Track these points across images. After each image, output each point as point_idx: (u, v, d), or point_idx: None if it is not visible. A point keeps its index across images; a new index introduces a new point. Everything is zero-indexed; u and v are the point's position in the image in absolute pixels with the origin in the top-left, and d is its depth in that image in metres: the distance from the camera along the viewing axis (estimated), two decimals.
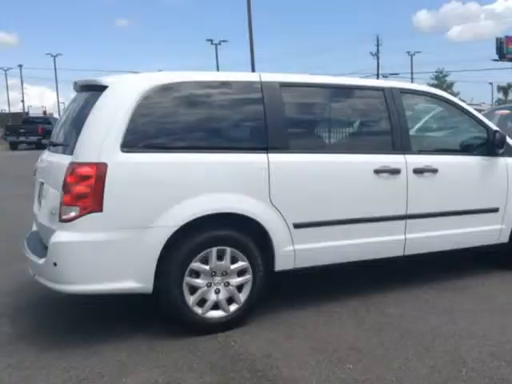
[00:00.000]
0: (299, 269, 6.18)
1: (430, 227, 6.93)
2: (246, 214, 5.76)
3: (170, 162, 5.55)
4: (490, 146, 7.31)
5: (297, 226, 6.04)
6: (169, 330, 5.73)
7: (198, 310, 5.66)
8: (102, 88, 5.63)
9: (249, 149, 5.93)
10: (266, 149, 5.92)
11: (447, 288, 7.08)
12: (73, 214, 5.23)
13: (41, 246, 5.92)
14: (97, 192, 5.22)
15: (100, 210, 5.24)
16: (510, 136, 7.73)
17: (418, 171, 6.71)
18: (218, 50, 72.34)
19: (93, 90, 5.86)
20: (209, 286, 5.68)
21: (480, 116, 7.56)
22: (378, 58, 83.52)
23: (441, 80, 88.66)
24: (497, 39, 61.92)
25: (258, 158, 5.88)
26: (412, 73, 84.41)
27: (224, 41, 73.67)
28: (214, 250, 5.64)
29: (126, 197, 5.35)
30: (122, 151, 5.35)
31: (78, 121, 5.78)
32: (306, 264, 6.22)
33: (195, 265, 5.58)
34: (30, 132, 47.42)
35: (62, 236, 5.30)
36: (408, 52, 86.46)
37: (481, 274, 7.69)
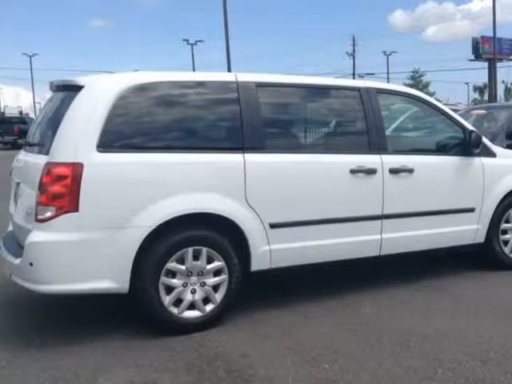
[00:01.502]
0: (275, 269, 6.18)
1: (405, 227, 6.95)
2: (222, 213, 5.76)
3: (146, 162, 5.53)
4: (466, 146, 7.35)
5: (273, 225, 6.05)
6: (145, 330, 5.71)
7: (174, 310, 5.65)
8: (78, 88, 5.61)
9: (225, 149, 5.94)
10: (242, 149, 5.92)
11: (423, 288, 7.12)
12: (49, 214, 5.21)
13: (17, 245, 5.88)
14: (73, 192, 5.21)
15: (76, 209, 5.23)
16: (485, 136, 7.79)
17: (394, 171, 6.74)
18: (194, 50, 72.65)
19: (69, 90, 5.85)
20: (185, 285, 5.67)
21: (456, 116, 7.61)
22: (353, 58, 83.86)
23: (417, 80, 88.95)
24: (473, 39, 62.41)
25: (234, 158, 5.89)
26: (388, 73, 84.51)
27: (200, 41, 74.09)
28: (190, 249, 5.63)
29: (102, 197, 5.33)
30: (98, 151, 5.33)
31: (54, 121, 5.76)
32: (282, 264, 6.23)
33: (171, 265, 5.57)
34: (6, 132, 47.16)
35: (38, 236, 5.28)
36: (384, 52, 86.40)
37: (456, 274, 7.74)
